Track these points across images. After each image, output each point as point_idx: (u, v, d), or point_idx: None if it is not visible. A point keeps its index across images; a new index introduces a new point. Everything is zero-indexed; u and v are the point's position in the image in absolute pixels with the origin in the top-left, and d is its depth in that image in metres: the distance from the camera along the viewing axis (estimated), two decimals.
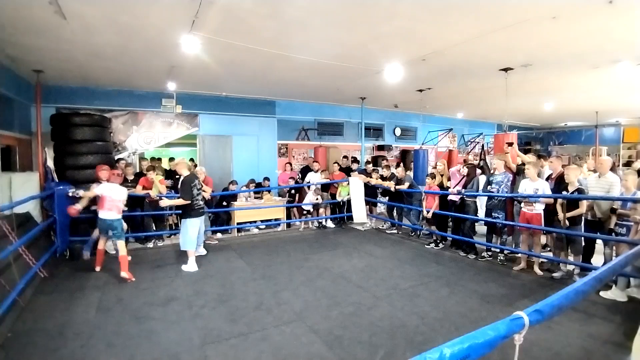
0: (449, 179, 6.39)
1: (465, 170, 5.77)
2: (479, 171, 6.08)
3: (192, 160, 8.01)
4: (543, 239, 5.20)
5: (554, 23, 4.21)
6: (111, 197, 4.67)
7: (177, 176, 7.07)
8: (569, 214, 4.42)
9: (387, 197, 7.81)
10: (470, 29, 4.45)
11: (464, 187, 5.77)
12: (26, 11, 3.84)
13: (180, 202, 5.06)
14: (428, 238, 6.67)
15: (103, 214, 4.63)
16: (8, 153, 6.14)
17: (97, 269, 4.83)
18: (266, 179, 8.11)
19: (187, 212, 5.14)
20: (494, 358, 1.73)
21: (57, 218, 5.18)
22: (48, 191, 5.34)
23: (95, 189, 4.67)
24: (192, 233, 5.10)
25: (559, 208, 4.59)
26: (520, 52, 5.39)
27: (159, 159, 8.02)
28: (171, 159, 7.82)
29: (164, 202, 5.30)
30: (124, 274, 4.54)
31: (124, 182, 6.36)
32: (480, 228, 6.31)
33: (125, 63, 5.89)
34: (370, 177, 7.90)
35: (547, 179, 5.10)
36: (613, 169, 4.76)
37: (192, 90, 8.27)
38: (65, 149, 6.18)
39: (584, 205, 4.36)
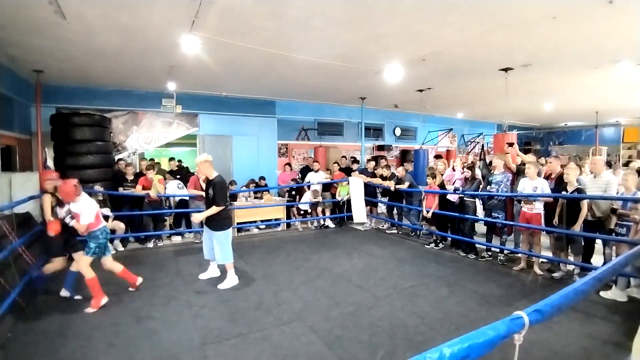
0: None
1: (469, 173, 5.76)
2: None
3: (179, 160, 7.95)
4: (546, 242, 5.19)
5: (554, 23, 4.22)
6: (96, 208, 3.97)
7: (178, 176, 7.10)
8: (576, 225, 4.39)
9: (387, 197, 7.81)
10: (470, 29, 4.45)
11: (463, 187, 5.77)
12: (26, 11, 3.84)
13: (217, 209, 4.22)
14: (428, 238, 6.67)
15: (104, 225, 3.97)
16: (8, 153, 6.14)
17: (105, 299, 3.80)
18: (262, 178, 8.09)
19: (224, 223, 4.35)
20: (494, 358, 1.73)
21: None
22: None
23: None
24: (229, 244, 4.43)
25: (557, 210, 4.61)
26: (520, 52, 5.40)
27: (157, 163, 7.98)
28: (171, 159, 7.79)
29: (198, 218, 4.34)
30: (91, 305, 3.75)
31: (124, 182, 6.39)
32: (480, 228, 6.31)
33: (125, 63, 5.89)
34: (374, 175, 7.90)
35: (546, 179, 5.10)
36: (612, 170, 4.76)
37: (192, 90, 8.27)
38: (65, 149, 6.19)
39: (585, 206, 4.36)
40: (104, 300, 3.77)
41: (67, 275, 3.98)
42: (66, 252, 4.01)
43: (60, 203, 3.84)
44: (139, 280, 4.27)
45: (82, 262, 3.75)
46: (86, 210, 3.74)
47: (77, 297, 3.97)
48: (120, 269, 4.13)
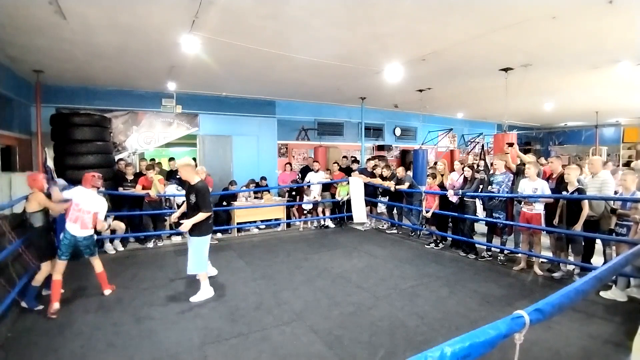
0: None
1: (469, 173, 5.75)
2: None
3: (172, 159, 7.87)
4: (546, 242, 5.18)
5: (554, 23, 4.22)
6: (78, 206, 3.83)
7: (178, 176, 7.07)
8: (578, 225, 4.38)
9: (387, 197, 7.81)
10: (470, 29, 4.45)
11: (462, 188, 5.76)
12: (26, 11, 3.84)
13: (204, 216, 3.97)
14: (428, 238, 6.67)
15: (70, 227, 3.79)
16: (8, 153, 6.14)
17: (56, 305, 3.57)
18: (263, 178, 8.11)
19: (203, 228, 4.06)
20: (494, 357, 1.72)
21: (56, 218, 5.17)
22: (48, 191, 5.32)
23: (65, 192, 3.84)
24: (206, 252, 4.15)
25: (558, 210, 4.60)
26: (520, 52, 5.39)
27: (159, 163, 7.96)
28: (171, 159, 7.78)
29: (186, 226, 3.97)
30: (107, 290, 4.11)
31: (124, 182, 6.39)
32: (480, 227, 6.31)
33: (125, 63, 5.89)
34: (374, 175, 7.89)
35: (547, 180, 5.10)
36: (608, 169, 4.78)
37: (192, 90, 8.27)
38: (65, 149, 6.19)
39: (586, 206, 4.35)
40: (56, 306, 3.56)
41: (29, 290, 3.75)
42: (52, 254, 3.85)
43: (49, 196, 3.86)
44: (108, 291, 4.13)
45: (56, 264, 3.74)
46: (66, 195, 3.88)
47: (39, 307, 3.71)
48: (100, 270, 4.10)
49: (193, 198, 4.02)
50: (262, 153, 9.63)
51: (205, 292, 4.07)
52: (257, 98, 9.33)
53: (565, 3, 3.71)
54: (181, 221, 4.20)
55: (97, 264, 4.08)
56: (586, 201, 4.35)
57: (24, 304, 3.69)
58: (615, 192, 4.46)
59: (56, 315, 3.52)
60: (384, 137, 12.04)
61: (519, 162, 5.79)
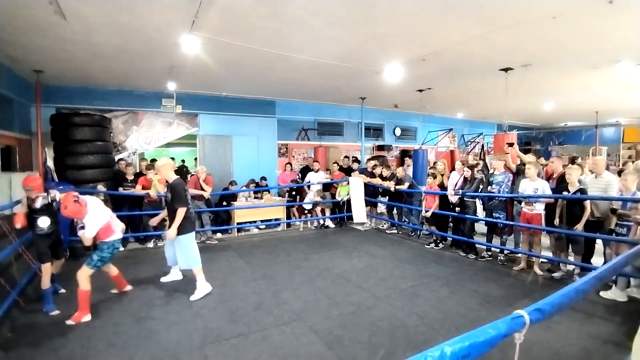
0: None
1: (468, 173, 5.75)
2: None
3: (182, 161, 7.84)
4: (546, 242, 5.18)
5: (554, 23, 4.22)
6: (109, 214, 3.86)
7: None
8: (580, 225, 4.37)
9: (387, 197, 7.81)
10: (470, 29, 4.45)
11: (462, 188, 5.76)
12: (26, 11, 3.84)
13: (181, 213, 3.94)
14: (428, 238, 6.67)
15: (117, 236, 3.81)
16: (8, 153, 6.14)
17: (87, 317, 3.49)
18: (263, 178, 8.11)
19: (186, 226, 4.00)
20: (495, 357, 1.73)
21: (61, 220, 5.16)
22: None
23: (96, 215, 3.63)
24: (194, 248, 4.11)
25: (557, 210, 4.60)
26: (520, 52, 5.39)
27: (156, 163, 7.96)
28: (171, 159, 7.78)
29: (171, 234, 3.93)
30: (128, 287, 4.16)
31: (124, 182, 6.38)
32: (480, 228, 6.31)
33: (125, 63, 5.89)
34: (374, 175, 7.89)
35: (548, 180, 5.10)
36: (607, 169, 4.77)
37: (192, 90, 8.27)
38: (65, 149, 6.19)
39: (589, 206, 4.35)
40: (87, 317, 3.47)
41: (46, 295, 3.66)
42: (54, 255, 3.84)
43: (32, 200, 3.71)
44: (128, 287, 4.21)
45: (82, 272, 3.53)
46: (91, 222, 3.56)
47: (54, 312, 3.60)
48: (116, 273, 4.07)
49: (169, 195, 4.06)
50: (262, 153, 9.63)
51: (203, 287, 4.07)
52: (257, 98, 9.33)
53: (565, 3, 3.71)
54: (152, 224, 4.34)
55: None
56: (588, 201, 4.35)
57: (45, 310, 3.61)
58: None
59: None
60: (384, 137, 12.04)
61: (519, 162, 5.79)
